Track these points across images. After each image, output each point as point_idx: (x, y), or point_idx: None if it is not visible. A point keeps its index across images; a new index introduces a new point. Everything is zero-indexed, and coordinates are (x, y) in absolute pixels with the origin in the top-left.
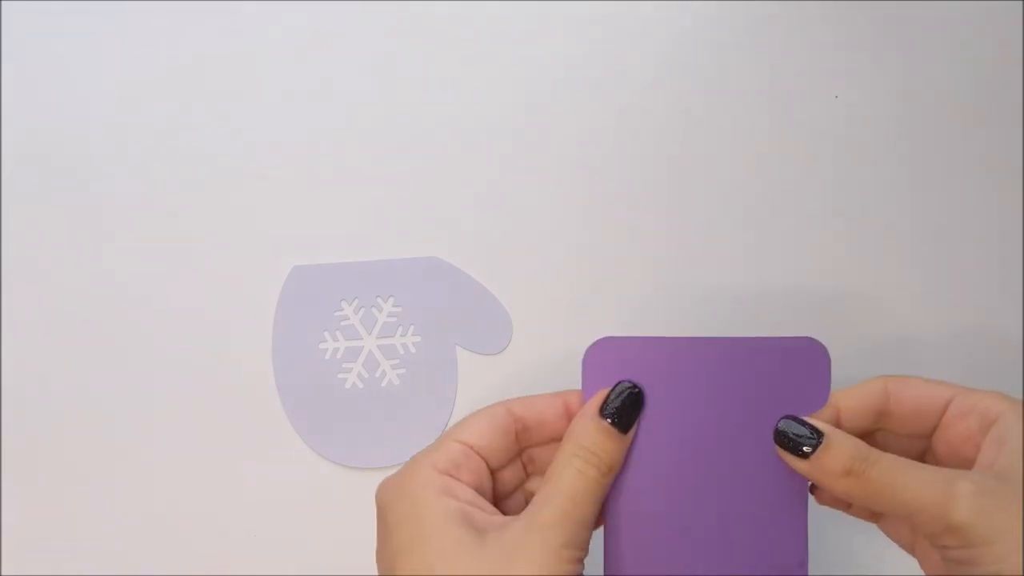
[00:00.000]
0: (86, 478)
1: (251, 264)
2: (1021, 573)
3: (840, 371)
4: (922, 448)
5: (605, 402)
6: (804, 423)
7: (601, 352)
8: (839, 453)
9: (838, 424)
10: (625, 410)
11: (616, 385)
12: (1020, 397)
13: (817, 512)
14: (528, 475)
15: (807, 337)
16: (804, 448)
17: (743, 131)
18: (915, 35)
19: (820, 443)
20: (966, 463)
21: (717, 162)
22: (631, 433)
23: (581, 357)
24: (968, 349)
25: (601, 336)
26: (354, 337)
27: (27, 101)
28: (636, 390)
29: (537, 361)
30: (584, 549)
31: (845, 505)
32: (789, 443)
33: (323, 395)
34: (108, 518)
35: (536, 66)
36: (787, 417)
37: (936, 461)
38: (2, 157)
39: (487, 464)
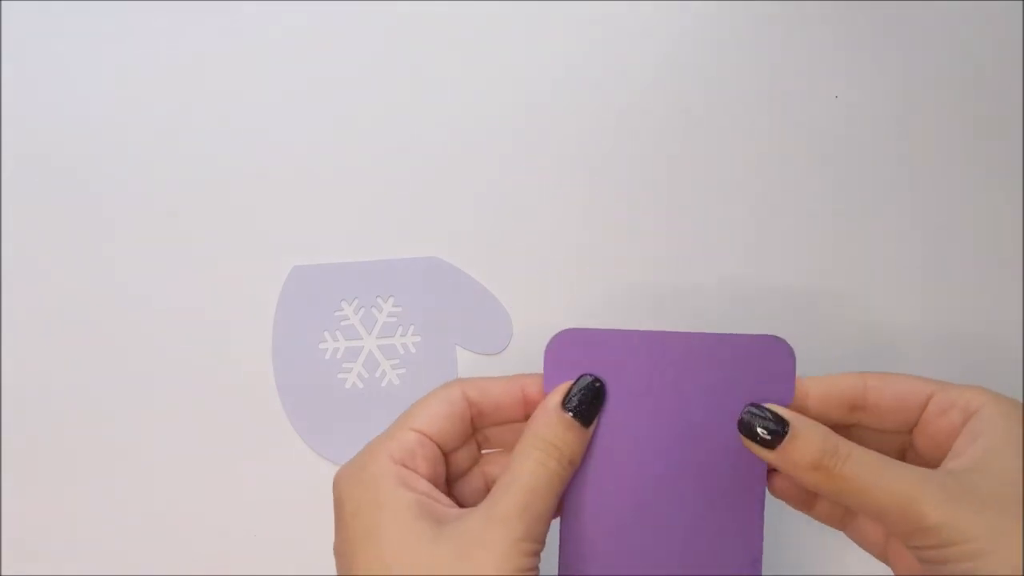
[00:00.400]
0: (86, 478)
1: (251, 264)
2: (995, 569)
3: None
4: (901, 444)
5: (567, 394)
6: (769, 412)
7: (563, 344)
8: (807, 444)
9: (805, 410)
10: (587, 403)
11: (579, 378)
12: (1020, 397)
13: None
14: (481, 453)
15: (772, 335)
16: (769, 437)
17: (743, 131)
18: (915, 35)
19: (786, 433)
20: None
21: (717, 162)
22: (592, 426)
23: None
24: (968, 349)
25: (564, 328)
26: (354, 337)
27: (27, 101)
28: (598, 383)
29: (537, 361)
30: (541, 542)
31: (807, 506)
32: (753, 433)
33: (323, 395)
34: (108, 518)
35: (536, 66)
36: (752, 405)
37: (917, 457)
38: (2, 157)
39: (441, 449)
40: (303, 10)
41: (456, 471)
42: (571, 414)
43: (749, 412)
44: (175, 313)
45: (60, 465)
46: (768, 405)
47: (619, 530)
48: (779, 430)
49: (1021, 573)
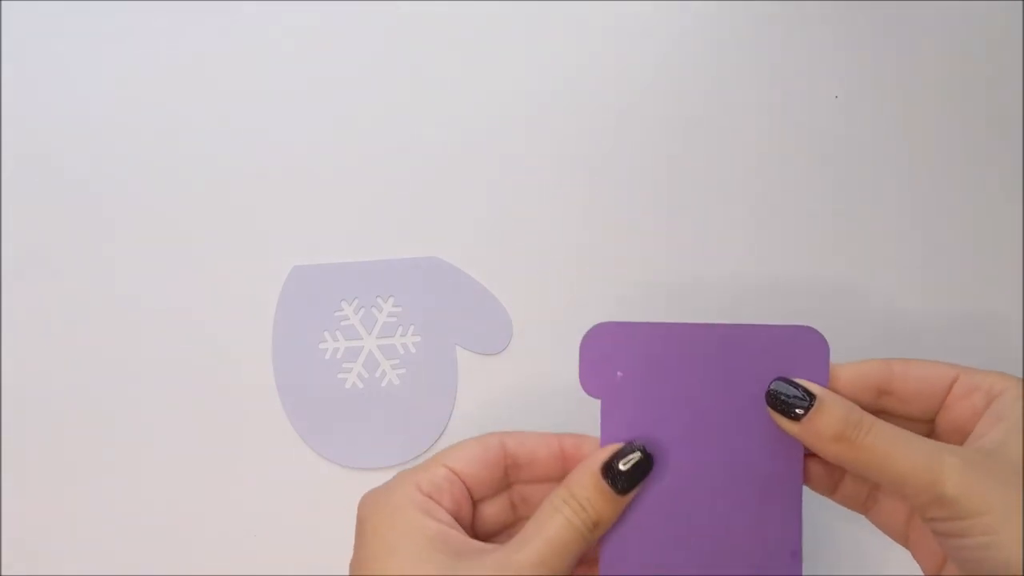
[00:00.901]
0: (86, 478)
1: (251, 264)
2: (1010, 545)
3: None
4: (926, 431)
5: (611, 460)
6: (797, 385)
7: (598, 337)
8: (831, 416)
9: (833, 390)
10: (630, 476)
11: (627, 445)
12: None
13: (814, 509)
14: (517, 517)
15: (806, 326)
16: (796, 410)
17: (743, 131)
18: (915, 35)
19: (812, 405)
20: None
21: (717, 162)
22: (630, 496)
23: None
24: (968, 348)
25: (598, 322)
26: (354, 337)
27: (27, 101)
28: (647, 455)
29: (537, 361)
30: None
31: (831, 490)
32: (781, 404)
33: (323, 395)
34: (108, 518)
35: (536, 66)
36: (780, 379)
37: (940, 440)
38: (2, 157)
39: (470, 493)
40: (303, 10)
41: (485, 527)
42: (610, 483)
43: (777, 384)
44: (175, 313)
45: (60, 465)
46: (796, 378)
47: (658, 522)
48: (805, 401)
49: None
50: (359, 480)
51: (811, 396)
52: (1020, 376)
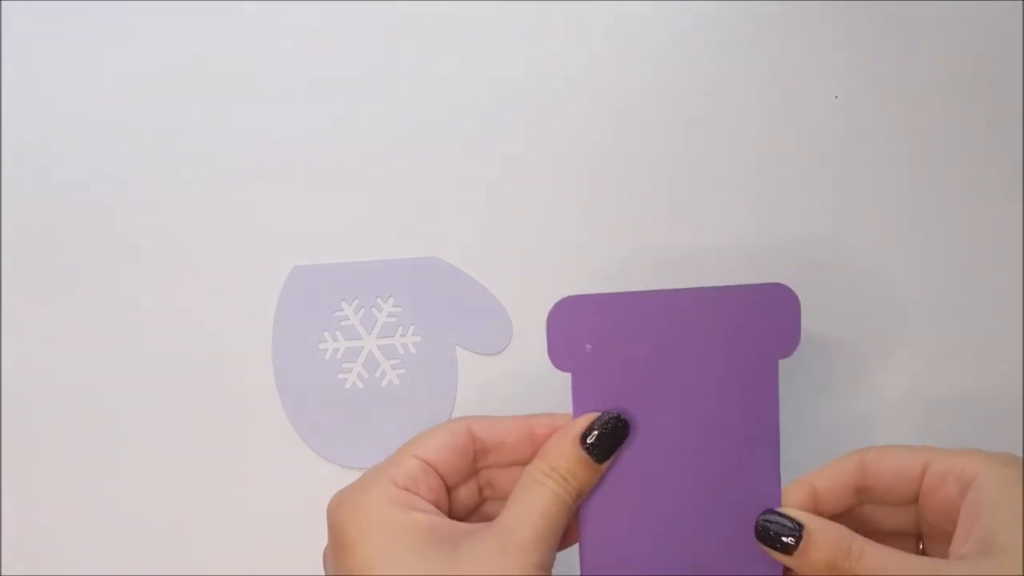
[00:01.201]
0: (86, 478)
1: (251, 264)
2: None
3: (840, 371)
4: (912, 516)
5: (588, 429)
6: (784, 516)
7: (565, 312)
8: (822, 546)
9: (816, 506)
10: (607, 443)
11: (602, 414)
12: (1020, 397)
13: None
14: (484, 499)
15: (777, 283)
16: (786, 540)
17: (743, 131)
18: (915, 35)
19: (801, 536)
20: (953, 529)
21: (717, 162)
22: (608, 463)
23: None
24: (968, 348)
25: (563, 296)
26: (354, 337)
27: (27, 101)
28: (622, 421)
29: (537, 361)
30: (551, 569)
31: None
32: (770, 537)
33: (323, 395)
34: (108, 518)
35: (536, 66)
36: (768, 512)
37: (927, 527)
38: (2, 157)
39: (444, 482)
40: (303, 10)
41: (457, 512)
42: (588, 452)
43: (765, 519)
44: (175, 313)
45: (60, 465)
46: (783, 509)
47: (636, 488)
48: (795, 531)
49: None
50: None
51: (800, 526)
52: (1017, 379)
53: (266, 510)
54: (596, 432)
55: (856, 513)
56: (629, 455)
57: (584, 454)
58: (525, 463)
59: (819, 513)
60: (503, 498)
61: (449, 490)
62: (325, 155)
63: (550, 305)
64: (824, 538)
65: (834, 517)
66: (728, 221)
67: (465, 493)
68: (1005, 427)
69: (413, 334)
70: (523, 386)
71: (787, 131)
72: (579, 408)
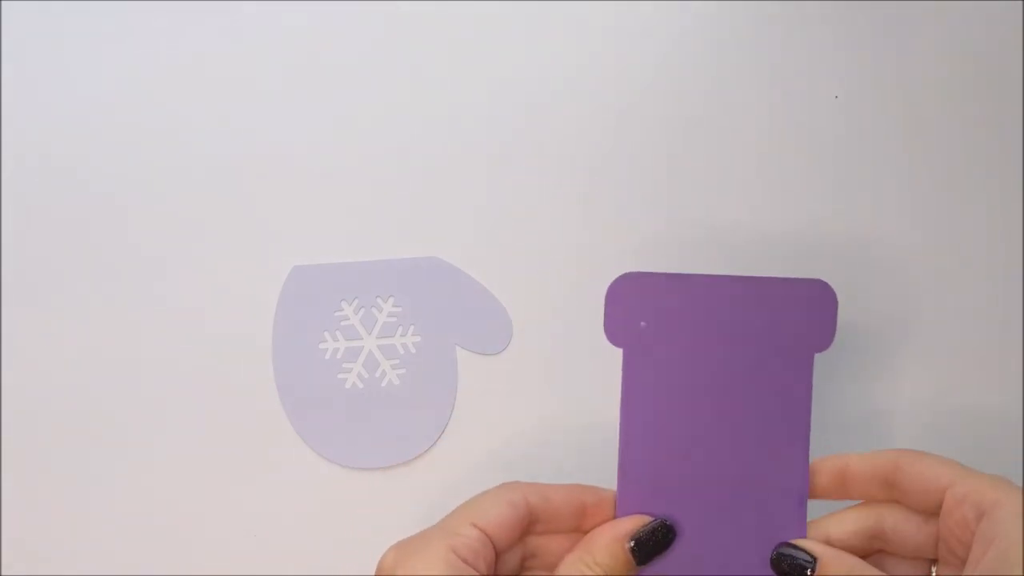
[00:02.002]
0: (85, 478)
1: (251, 264)
2: None
3: (840, 370)
4: (934, 534)
5: (634, 533)
6: (799, 548)
7: (623, 288)
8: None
9: (843, 484)
10: (651, 548)
11: (651, 521)
12: (1020, 397)
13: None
14: (524, 569)
15: (817, 279)
16: (802, 574)
17: (743, 131)
18: (915, 35)
19: (815, 568)
20: (966, 556)
21: (717, 162)
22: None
23: (581, 356)
24: (969, 347)
25: (624, 272)
26: (354, 337)
27: (27, 101)
28: (669, 530)
29: (537, 361)
30: None
31: None
32: (785, 571)
33: (323, 395)
34: (108, 518)
35: (536, 66)
36: (783, 545)
37: (943, 549)
38: (2, 157)
39: (496, 552)
40: (303, 10)
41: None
42: (632, 553)
43: (780, 551)
44: (174, 313)
45: (60, 465)
46: (798, 541)
47: (672, 463)
48: (809, 564)
49: None
50: (359, 480)
51: (814, 559)
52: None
53: (266, 510)
54: (642, 536)
55: (881, 530)
56: (666, 436)
57: (628, 555)
58: (569, 531)
59: (845, 493)
60: (545, 570)
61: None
62: (325, 155)
63: (550, 305)
64: (836, 569)
65: (861, 519)
66: (729, 221)
67: (510, 560)
68: (1005, 426)
69: (413, 334)
70: (523, 386)
71: (787, 131)
72: (628, 385)
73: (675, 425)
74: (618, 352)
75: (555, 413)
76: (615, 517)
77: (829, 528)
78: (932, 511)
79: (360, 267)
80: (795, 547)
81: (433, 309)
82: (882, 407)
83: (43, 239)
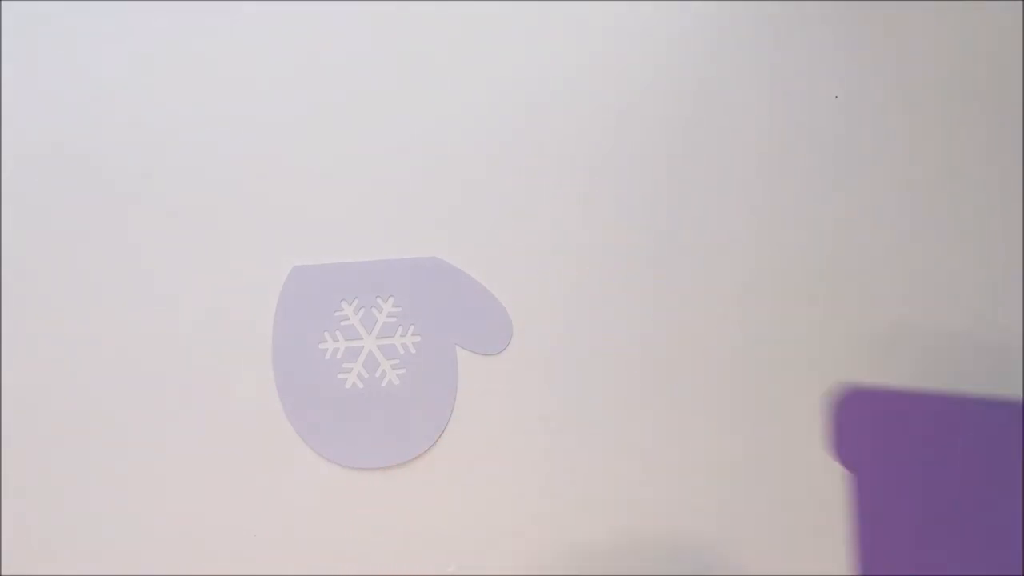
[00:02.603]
0: (85, 478)
1: (251, 264)
2: None
3: (838, 369)
4: None
5: None
6: None
7: (850, 402)
8: None
9: None
10: None
11: None
12: (1020, 395)
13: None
14: None
15: (1018, 402)
16: None
17: (743, 131)
18: (915, 35)
19: None
20: None
21: (717, 162)
22: None
23: (581, 356)
24: (970, 347)
25: (847, 387)
26: (354, 337)
27: (26, 102)
28: None
29: (537, 361)
30: None
31: None
32: None
33: (323, 395)
34: (108, 518)
35: (536, 66)
36: None
37: None
38: (2, 158)
39: None
40: (303, 10)
41: None
42: None
43: None
44: (175, 313)
45: (60, 466)
46: None
47: (905, 555)
48: None
49: None
50: (359, 480)
51: None
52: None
53: (266, 510)
54: None
55: None
56: (900, 528)
57: None
58: None
59: None
60: None
61: None
62: (325, 155)
63: (550, 305)
64: None
65: None
66: (728, 220)
67: None
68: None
69: (413, 334)
70: (523, 386)
71: (787, 131)
72: (861, 508)
73: (904, 523)
74: (618, 353)
75: (555, 413)
76: None
77: None
78: None
79: (360, 267)
80: None
81: (433, 309)
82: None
83: (43, 239)
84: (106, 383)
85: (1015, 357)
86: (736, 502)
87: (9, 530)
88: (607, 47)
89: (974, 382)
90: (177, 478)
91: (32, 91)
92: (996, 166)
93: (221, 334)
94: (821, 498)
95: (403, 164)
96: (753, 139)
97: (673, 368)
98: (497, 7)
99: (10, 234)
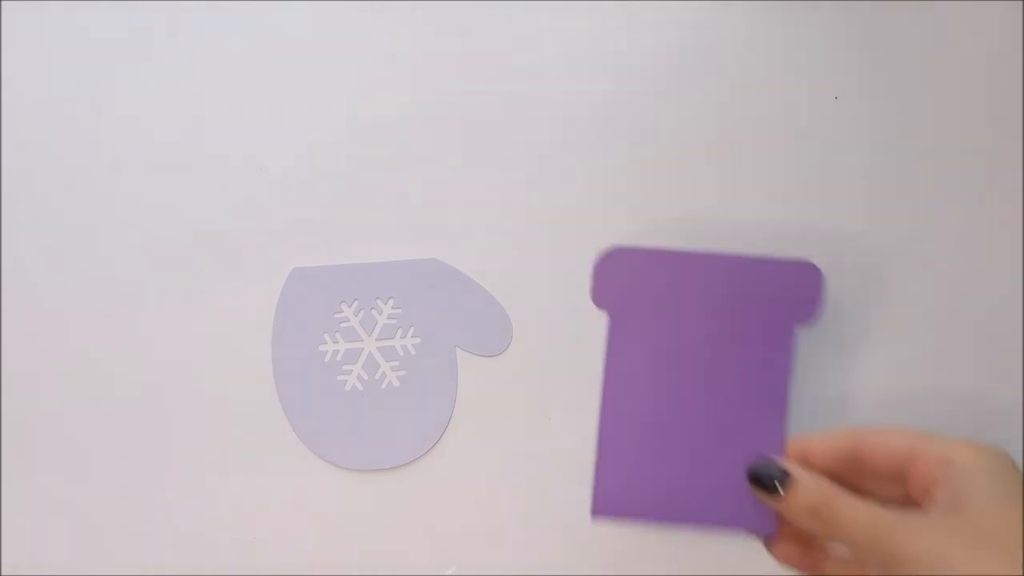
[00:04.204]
0: (86, 479)
1: (251, 265)
2: None
3: (838, 367)
4: (902, 490)
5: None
6: (775, 462)
7: (612, 260)
8: (806, 494)
9: (806, 464)
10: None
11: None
12: (1020, 395)
13: None
14: None
15: (805, 261)
16: (775, 485)
17: (743, 131)
18: (915, 35)
19: (788, 483)
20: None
21: (718, 163)
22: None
23: (581, 357)
24: (969, 349)
25: (614, 245)
26: (354, 339)
27: (26, 102)
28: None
29: (537, 363)
30: None
31: (814, 567)
32: (761, 483)
33: (323, 397)
34: (108, 519)
35: (537, 68)
36: (760, 457)
37: (912, 502)
38: (2, 160)
39: None
40: (304, 11)
41: None
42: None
43: (757, 463)
44: (175, 314)
45: (60, 466)
46: (775, 458)
47: (651, 430)
48: (782, 479)
49: None
50: (359, 481)
51: (787, 474)
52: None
53: (266, 511)
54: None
55: (850, 483)
56: (647, 400)
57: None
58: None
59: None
60: None
61: None
62: (325, 157)
63: (550, 307)
64: (808, 487)
65: (840, 438)
66: (728, 222)
67: None
68: (1005, 423)
69: (413, 336)
70: (523, 388)
71: (787, 131)
72: (615, 343)
73: (656, 385)
74: None
75: (555, 414)
76: (596, 459)
77: (810, 443)
78: (897, 477)
79: (360, 269)
80: (772, 461)
81: (433, 311)
82: (878, 405)
83: (44, 240)
84: (106, 384)
85: (1015, 357)
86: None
87: (9, 530)
88: (607, 50)
89: (972, 381)
90: (177, 479)
91: (33, 91)
92: (996, 166)
93: (221, 335)
94: None
95: (403, 166)
96: (753, 139)
97: None
98: (498, 8)
99: (10, 234)
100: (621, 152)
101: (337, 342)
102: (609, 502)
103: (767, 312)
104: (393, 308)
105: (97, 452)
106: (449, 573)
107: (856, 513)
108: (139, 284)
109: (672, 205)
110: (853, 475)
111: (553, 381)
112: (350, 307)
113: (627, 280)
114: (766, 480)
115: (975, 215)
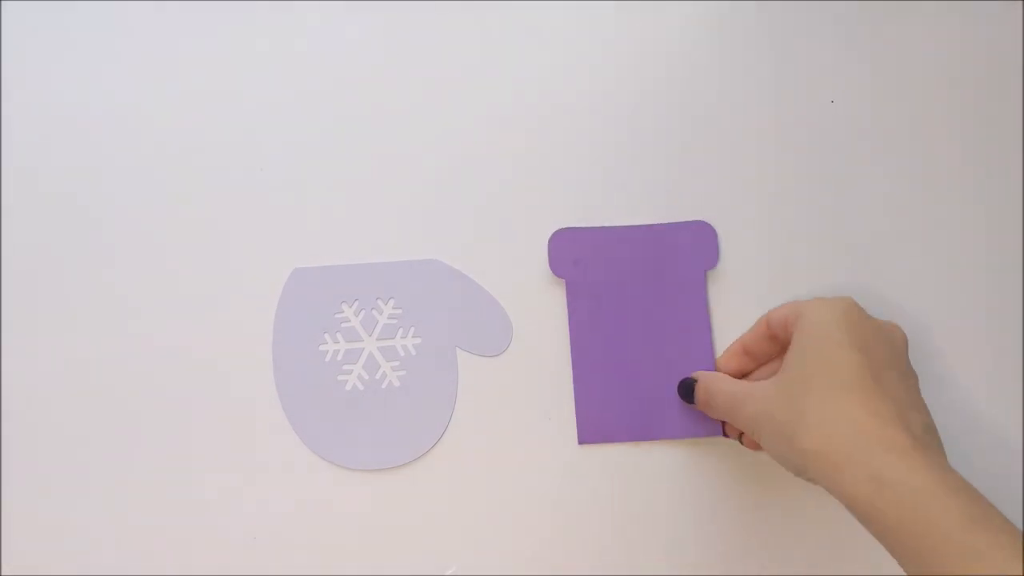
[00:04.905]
0: (86, 479)
1: (251, 266)
2: (804, 443)
3: None
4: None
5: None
6: (689, 377)
7: (560, 238)
8: (700, 389)
9: (747, 354)
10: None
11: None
12: (1020, 393)
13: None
14: None
15: (700, 220)
16: (689, 391)
17: (740, 134)
18: (915, 36)
19: (696, 387)
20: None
21: (715, 166)
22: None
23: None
24: (969, 345)
25: (558, 228)
26: (354, 339)
27: (26, 104)
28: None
29: (537, 363)
30: None
31: (746, 440)
32: (684, 391)
33: (323, 397)
34: (108, 519)
35: (537, 70)
36: (687, 378)
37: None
38: (2, 161)
39: None
40: (305, 12)
41: None
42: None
43: (680, 382)
44: (176, 315)
45: (60, 466)
46: (693, 374)
47: (611, 368)
48: (692, 385)
49: (823, 444)
50: (359, 481)
51: (695, 381)
52: (1017, 382)
53: (266, 511)
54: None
55: (747, 348)
56: (604, 345)
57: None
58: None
59: (751, 358)
60: None
61: None
62: (326, 158)
63: (550, 307)
64: (701, 384)
65: (768, 361)
66: (727, 222)
67: None
68: (1006, 421)
69: (413, 336)
70: (523, 388)
71: (783, 135)
72: (572, 303)
73: (609, 331)
74: None
75: (555, 415)
76: (575, 398)
77: (743, 339)
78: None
79: (360, 269)
80: (688, 377)
81: (433, 311)
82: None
83: (44, 241)
84: (106, 385)
85: (1015, 358)
86: (746, 510)
87: (9, 530)
88: (606, 53)
89: (979, 368)
90: (177, 479)
91: (34, 91)
92: (996, 166)
93: (222, 336)
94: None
95: (404, 167)
96: (751, 142)
97: None
98: (498, 9)
99: (11, 235)
100: (622, 157)
101: (338, 342)
102: (589, 430)
103: (682, 263)
104: (393, 308)
105: (97, 452)
106: (449, 573)
107: (720, 393)
108: (139, 284)
109: (672, 208)
110: (780, 352)
111: (553, 381)
112: (350, 307)
113: (575, 253)
114: (685, 391)
115: (973, 216)
